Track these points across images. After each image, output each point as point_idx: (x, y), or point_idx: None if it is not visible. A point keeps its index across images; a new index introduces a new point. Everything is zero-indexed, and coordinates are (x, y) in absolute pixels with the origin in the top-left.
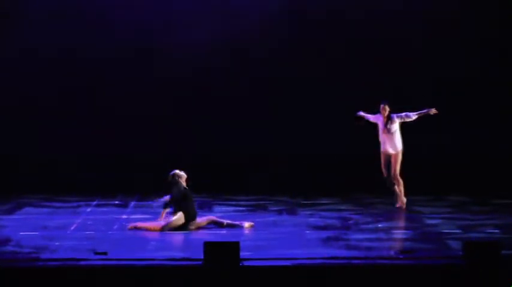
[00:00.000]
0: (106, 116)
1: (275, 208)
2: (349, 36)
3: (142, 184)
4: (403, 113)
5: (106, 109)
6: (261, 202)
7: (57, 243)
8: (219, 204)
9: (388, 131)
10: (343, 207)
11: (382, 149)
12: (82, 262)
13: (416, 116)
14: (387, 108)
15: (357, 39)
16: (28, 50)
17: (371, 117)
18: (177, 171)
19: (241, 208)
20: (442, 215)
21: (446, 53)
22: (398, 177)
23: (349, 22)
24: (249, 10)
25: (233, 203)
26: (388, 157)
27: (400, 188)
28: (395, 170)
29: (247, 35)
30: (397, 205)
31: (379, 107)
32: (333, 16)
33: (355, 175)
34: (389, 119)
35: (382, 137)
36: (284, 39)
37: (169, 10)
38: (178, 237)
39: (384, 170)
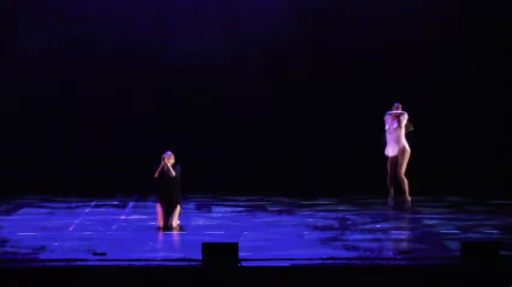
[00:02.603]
0: (105, 116)
1: (274, 209)
2: (349, 36)
3: (141, 185)
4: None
5: (105, 109)
6: (259, 202)
7: (55, 243)
8: (218, 204)
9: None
10: (341, 207)
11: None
12: (81, 263)
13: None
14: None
15: (357, 39)
16: (27, 51)
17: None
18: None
19: (240, 209)
20: (440, 216)
21: (445, 53)
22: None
23: (349, 22)
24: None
25: (232, 203)
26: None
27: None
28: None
29: (246, 34)
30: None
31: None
32: (332, 16)
33: (354, 175)
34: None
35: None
36: (284, 40)
37: (165, 11)
38: (176, 238)
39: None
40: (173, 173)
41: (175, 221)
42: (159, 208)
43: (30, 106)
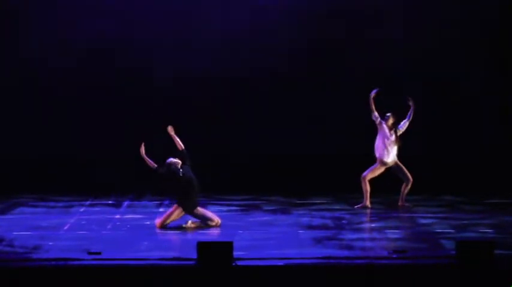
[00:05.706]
0: (101, 116)
1: (269, 208)
2: (347, 36)
3: (136, 184)
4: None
5: (102, 109)
6: (254, 202)
7: (50, 243)
8: (213, 203)
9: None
10: (336, 207)
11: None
12: (75, 262)
13: (408, 123)
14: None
15: (354, 38)
16: (25, 52)
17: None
18: (172, 159)
19: (234, 208)
20: (435, 215)
21: (445, 52)
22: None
23: (348, 21)
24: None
25: (227, 202)
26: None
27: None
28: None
29: (242, 34)
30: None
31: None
32: (331, 15)
33: (349, 174)
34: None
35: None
36: (284, 39)
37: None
38: (171, 237)
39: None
40: (181, 145)
41: (164, 222)
42: (174, 210)
43: (25, 106)
